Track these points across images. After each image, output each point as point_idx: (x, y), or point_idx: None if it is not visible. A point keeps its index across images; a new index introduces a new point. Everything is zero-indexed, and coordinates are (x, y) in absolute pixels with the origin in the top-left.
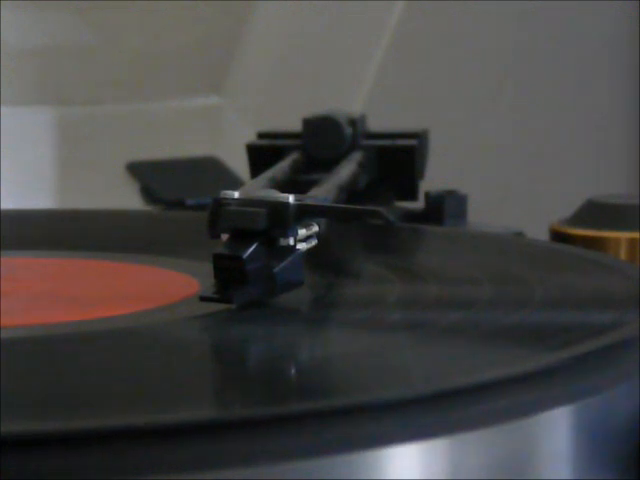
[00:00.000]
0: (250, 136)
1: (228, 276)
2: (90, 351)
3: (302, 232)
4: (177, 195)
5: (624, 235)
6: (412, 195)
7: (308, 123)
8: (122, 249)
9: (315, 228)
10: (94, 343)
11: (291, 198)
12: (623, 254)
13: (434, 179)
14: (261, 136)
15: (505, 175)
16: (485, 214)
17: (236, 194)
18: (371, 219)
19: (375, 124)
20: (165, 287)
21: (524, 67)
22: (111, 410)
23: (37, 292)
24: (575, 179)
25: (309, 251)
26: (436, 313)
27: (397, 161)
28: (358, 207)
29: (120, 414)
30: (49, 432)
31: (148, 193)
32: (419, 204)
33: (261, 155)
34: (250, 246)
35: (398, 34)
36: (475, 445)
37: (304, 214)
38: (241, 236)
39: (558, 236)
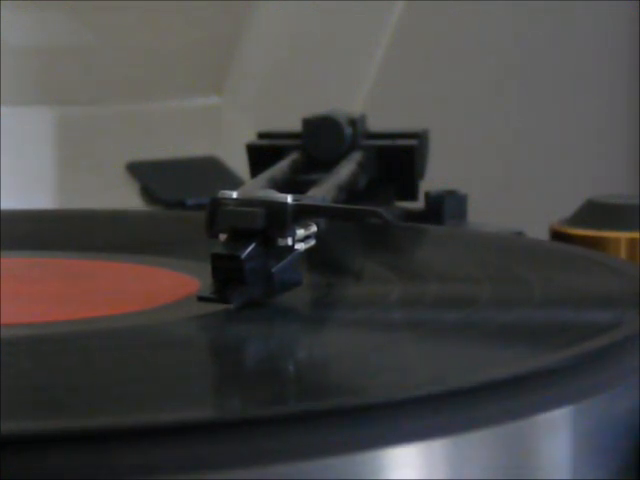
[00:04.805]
0: (250, 136)
1: (226, 276)
2: (90, 350)
3: (300, 232)
4: (177, 195)
5: (624, 235)
6: (412, 195)
7: (308, 123)
8: (122, 249)
9: (314, 228)
10: (94, 343)
11: (289, 198)
12: (623, 254)
13: (434, 179)
14: (261, 136)
15: (505, 175)
16: (485, 214)
17: (234, 194)
18: (370, 219)
19: (375, 124)
20: (165, 287)
21: (524, 67)
22: (110, 410)
23: (37, 292)
24: (575, 179)
25: (309, 251)
26: (436, 313)
27: (397, 161)
28: (357, 207)
29: (119, 414)
30: (49, 432)
31: (148, 193)
32: (419, 204)
33: (261, 155)
34: (248, 246)
35: (398, 34)
36: (475, 445)
37: (302, 214)
38: (239, 236)
39: (558, 236)
